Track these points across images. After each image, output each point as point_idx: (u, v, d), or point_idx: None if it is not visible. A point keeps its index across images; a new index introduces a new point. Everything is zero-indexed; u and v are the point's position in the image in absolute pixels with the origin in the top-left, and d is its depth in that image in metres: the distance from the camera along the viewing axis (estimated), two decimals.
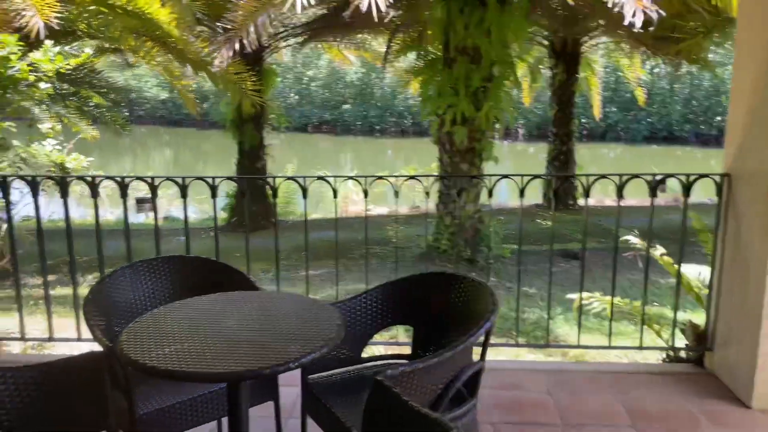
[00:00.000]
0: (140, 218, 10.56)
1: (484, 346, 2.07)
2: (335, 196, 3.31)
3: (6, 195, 3.34)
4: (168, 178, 3.43)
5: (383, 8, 4.70)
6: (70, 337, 3.53)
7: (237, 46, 5.96)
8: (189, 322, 1.98)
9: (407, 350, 2.48)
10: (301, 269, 6.04)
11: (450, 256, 7.68)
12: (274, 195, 3.58)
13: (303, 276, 4.39)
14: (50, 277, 4.88)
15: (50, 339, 3.52)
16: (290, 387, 2.82)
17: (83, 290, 2.98)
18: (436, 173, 8.25)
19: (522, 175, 3.29)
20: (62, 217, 3.42)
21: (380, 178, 3.27)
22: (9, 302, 4.21)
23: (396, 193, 3.35)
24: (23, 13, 4.55)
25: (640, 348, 3.55)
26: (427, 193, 3.35)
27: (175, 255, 2.57)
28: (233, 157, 10.63)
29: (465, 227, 7.84)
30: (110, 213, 10.97)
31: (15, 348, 3.85)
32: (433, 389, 1.88)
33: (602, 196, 11.29)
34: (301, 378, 2.25)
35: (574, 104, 12.24)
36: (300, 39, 10.80)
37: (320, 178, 3.36)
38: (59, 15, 4.75)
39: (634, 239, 4.05)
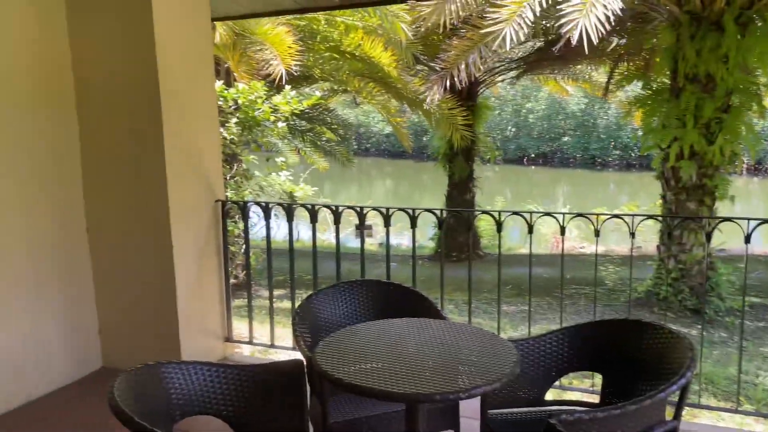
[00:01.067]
0: (358, 243, 11.48)
1: (679, 404, 1.87)
2: (530, 232, 3.27)
3: (245, 218, 3.92)
4: (374, 209, 3.72)
5: (595, 40, 4.55)
6: (287, 346, 3.99)
7: (448, 83, 6.23)
8: (376, 342, 2.13)
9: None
10: (503, 303, 6.01)
11: (671, 305, 6.96)
12: (468, 228, 3.66)
13: (503, 310, 4.38)
14: (277, 291, 5.56)
15: (272, 345, 4.01)
16: (472, 420, 2.84)
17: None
18: (659, 211, 7.59)
19: (748, 219, 2.90)
20: (294, 238, 3.90)
21: (579, 215, 3.15)
22: (243, 310, 4.89)
23: (596, 232, 3.19)
24: (270, 62, 5.35)
25: None
26: (633, 234, 3.13)
27: (373, 279, 2.79)
28: (445, 188, 11.02)
29: (691, 273, 7.06)
30: (332, 237, 12.09)
31: (245, 350, 4.45)
32: None
33: None
34: (481, 411, 2.26)
35: None
36: (515, 72, 10.87)
37: (515, 213, 3.35)
38: (298, 62, 5.48)
39: None
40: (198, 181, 3.82)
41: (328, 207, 3.81)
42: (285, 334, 4.90)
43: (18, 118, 3.37)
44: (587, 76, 11.20)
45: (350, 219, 4.19)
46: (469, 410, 2.81)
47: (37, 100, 3.47)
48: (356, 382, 1.82)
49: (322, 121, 10.11)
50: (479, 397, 2.33)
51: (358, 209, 3.72)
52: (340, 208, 3.78)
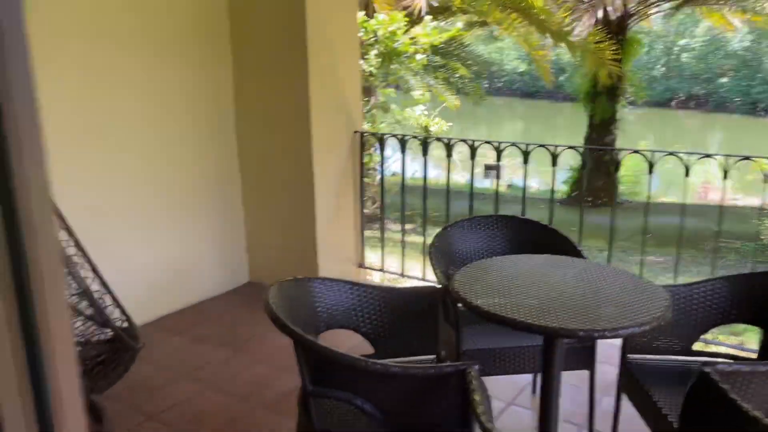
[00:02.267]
0: (486, 183, 11.32)
1: None
2: (687, 175, 3.02)
3: (381, 150, 3.99)
4: (513, 144, 3.61)
5: None
6: (416, 276, 4.09)
7: (600, 14, 5.78)
8: (515, 275, 2.11)
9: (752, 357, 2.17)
10: (639, 254, 5.70)
11: None
12: (616, 169, 3.45)
13: (639, 260, 4.15)
14: (407, 226, 5.65)
15: (402, 275, 4.13)
16: (608, 365, 2.76)
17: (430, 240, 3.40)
18: None
19: None
20: (422, 176, 3.93)
21: (745, 158, 2.83)
22: (375, 241, 5.06)
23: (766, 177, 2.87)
24: None
25: None
26: None
27: (510, 215, 2.74)
28: (582, 130, 10.45)
29: None
30: (461, 176, 12.01)
31: (375, 277, 4.63)
32: None
33: None
34: (621, 356, 2.19)
35: None
36: (674, 3, 9.83)
37: (670, 153, 3.09)
38: None
39: None
40: (338, 112, 3.92)
41: (464, 141, 3.76)
42: (413, 266, 5.01)
43: (179, 54, 3.62)
44: (761, 8, 9.87)
45: (480, 160, 4.10)
46: (606, 356, 2.74)
47: (195, 35, 3.70)
48: (495, 310, 1.82)
49: (456, 56, 9.87)
50: (618, 341, 2.25)
51: (496, 144, 3.63)
52: (476, 143, 3.72)
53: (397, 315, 2.20)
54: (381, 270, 4.17)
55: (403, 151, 3.89)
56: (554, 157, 3.50)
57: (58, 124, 3.00)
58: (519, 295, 1.95)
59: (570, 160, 9.37)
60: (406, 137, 3.92)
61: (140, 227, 3.55)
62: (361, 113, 4.11)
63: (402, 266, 4.09)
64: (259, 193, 4.05)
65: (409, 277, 4.07)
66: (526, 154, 3.56)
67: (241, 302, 3.94)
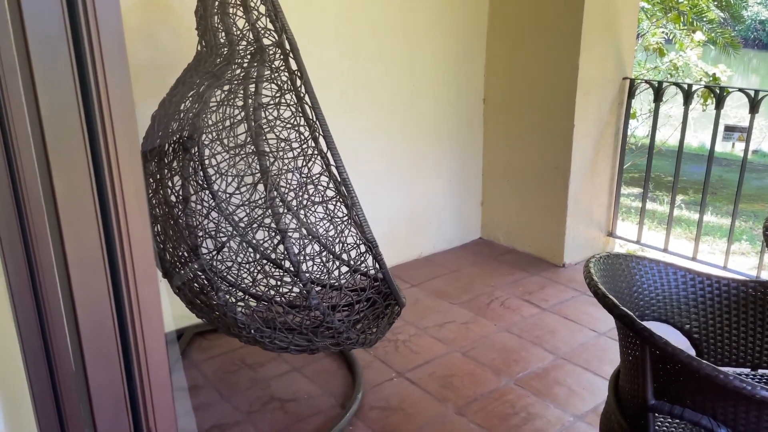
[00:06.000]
0: (726, 147, 9.78)
1: None
2: None
3: (657, 101, 3.37)
4: None
5: None
6: (685, 255, 3.44)
7: None
8: None
9: None
10: None
11: None
12: None
13: None
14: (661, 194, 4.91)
15: (665, 250, 3.52)
16: None
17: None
18: None
19: None
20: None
21: None
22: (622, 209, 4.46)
23: None
24: None
25: None
26: None
27: None
28: None
29: None
30: (693, 138, 10.54)
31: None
32: None
33: None
34: None
35: None
36: None
37: None
38: None
39: None
40: (609, 53, 3.36)
41: (742, 90, 2.98)
42: (680, 244, 4.35)
43: None
44: None
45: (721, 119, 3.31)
46: None
47: None
48: None
49: None
50: None
51: (751, 93, 2.88)
52: (761, 93, 2.93)
53: (735, 314, 1.72)
54: (637, 242, 3.60)
55: (687, 102, 3.23)
56: None
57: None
58: None
59: None
60: (694, 86, 3.25)
61: (380, 176, 3.39)
62: (633, 56, 3.49)
63: (666, 241, 3.49)
64: (504, 139, 3.68)
65: (674, 254, 3.46)
66: None
67: (474, 260, 3.67)
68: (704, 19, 8.74)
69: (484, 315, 3.03)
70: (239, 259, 1.86)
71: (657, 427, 1.51)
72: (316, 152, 1.75)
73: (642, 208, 3.60)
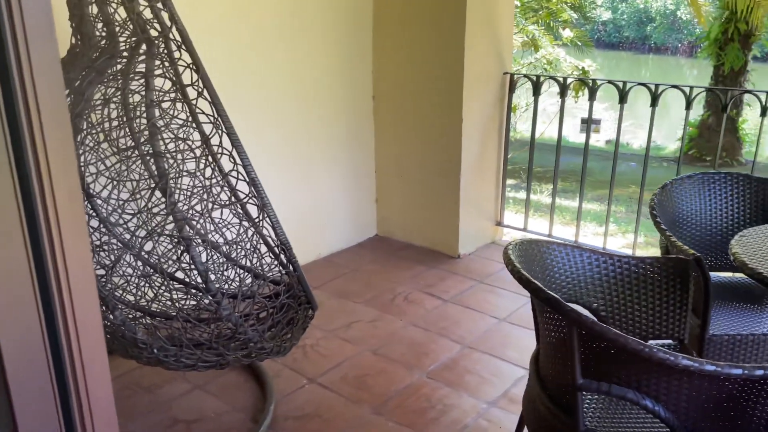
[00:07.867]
0: (582, 138, 10.63)
1: None
2: None
3: (536, 93, 3.54)
4: (641, 84, 3.18)
5: None
6: (568, 240, 3.68)
7: None
8: None
9: None
10: None
11: None
12: (763, 113, 2.95)
13: None
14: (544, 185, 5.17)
15: (550, 236, 3.72)
16: None
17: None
18: None
19: None
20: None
21: None
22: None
23: None
24: None
25: None
26: None
27: (746, 174, 2.28)
28: (684, 83, 9.53)
29: None
30: (551, 130, 11.34)
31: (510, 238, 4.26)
32: None
33: None
34: None
35: None
36: None
37: None
38: None
39: None
40: (490, 49, 3.48)
41: (582, 81, 3.26)
42: (562, 230, 4.58)
43: None
44: None
45: (574, 111, 3.68)
46: None
47: None
48: None
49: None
50: None
51: (620, 84, 3.23)
52: (599, 81, 3.22)
53: (636, 290, 1.83)
54: (523, 229, 3.78)
55: (563, 95, 3.43)
56: (688, 103, 3.12)
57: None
58: None
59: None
60: (569, 80, 3.46)
61: (272, 179, 3.27)
62: (511, 52, 3.65)
63: (550, 226, 3.69)
64: (394, 136, 3.70)
65: (558, 238, 3.67)
66: (655, 99, 3.13)
67: (373, 257, 3.65)
68: (560, 19, 9.44)
69: (389, 311, 3.02)
70: (138, 273, 1.68)
71: (585, 406, 1.56)
72: (219, 151, 1.62)
73: (527, 197, 3.79)
